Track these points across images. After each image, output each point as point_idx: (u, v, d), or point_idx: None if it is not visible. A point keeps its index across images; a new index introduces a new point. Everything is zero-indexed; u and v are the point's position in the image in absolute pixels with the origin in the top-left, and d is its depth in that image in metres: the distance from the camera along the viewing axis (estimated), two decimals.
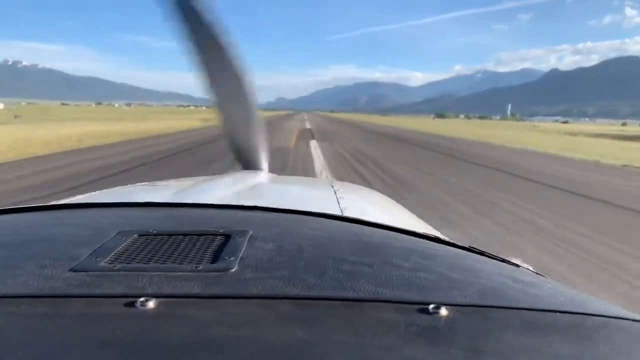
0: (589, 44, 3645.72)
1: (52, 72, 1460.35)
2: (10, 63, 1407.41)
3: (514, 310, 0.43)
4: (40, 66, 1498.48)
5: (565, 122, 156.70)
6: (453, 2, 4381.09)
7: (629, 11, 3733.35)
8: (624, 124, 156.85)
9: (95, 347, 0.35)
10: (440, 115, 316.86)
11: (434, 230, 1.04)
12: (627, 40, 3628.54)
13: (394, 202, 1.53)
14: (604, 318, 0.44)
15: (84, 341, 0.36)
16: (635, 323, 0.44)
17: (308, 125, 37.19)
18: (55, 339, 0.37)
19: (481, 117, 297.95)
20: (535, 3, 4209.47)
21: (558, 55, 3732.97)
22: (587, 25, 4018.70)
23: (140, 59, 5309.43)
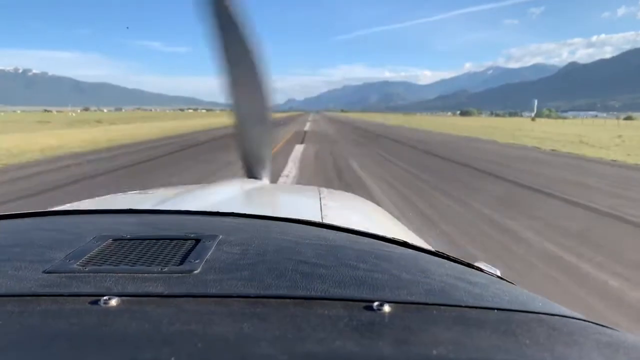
0: (602, 36, 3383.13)
1: (62, 79, 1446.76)
2: (20, 72, 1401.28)
3: (453, 307, 0.45)
4: (50, 74, 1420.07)
5: (629, 117, 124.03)
6: None
7: None
8: None
9: (54, 340, 0.37)
10: (464, 113, 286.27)
11: (417, 238, 1.03)
12: None
13: (382, 210, 1.53)
14: (536, 315, 0.46)
15: (44, 335, 0.38)
16: (566, 319, 0.46)
17: None
18: (17, 333, 0.38)
19: (511, 114, 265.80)
20: None
21: (570, 49, 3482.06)
22: (600, 18, 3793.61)
23: (150, 64, 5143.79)
